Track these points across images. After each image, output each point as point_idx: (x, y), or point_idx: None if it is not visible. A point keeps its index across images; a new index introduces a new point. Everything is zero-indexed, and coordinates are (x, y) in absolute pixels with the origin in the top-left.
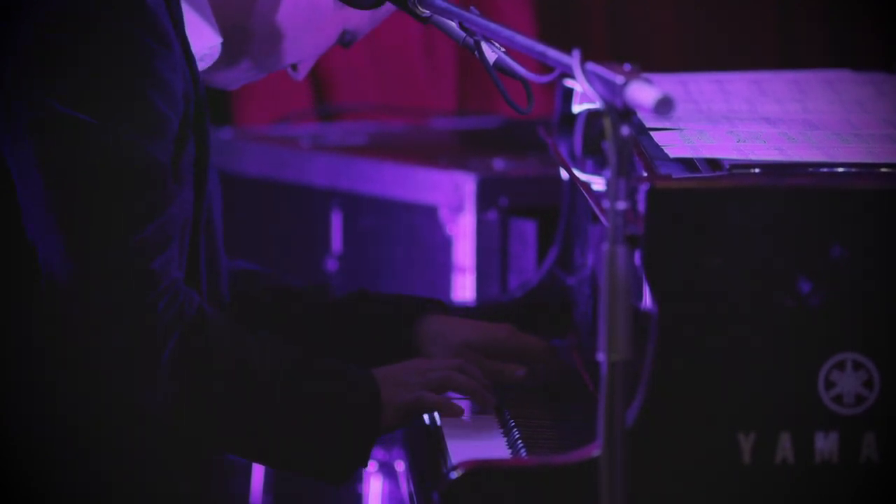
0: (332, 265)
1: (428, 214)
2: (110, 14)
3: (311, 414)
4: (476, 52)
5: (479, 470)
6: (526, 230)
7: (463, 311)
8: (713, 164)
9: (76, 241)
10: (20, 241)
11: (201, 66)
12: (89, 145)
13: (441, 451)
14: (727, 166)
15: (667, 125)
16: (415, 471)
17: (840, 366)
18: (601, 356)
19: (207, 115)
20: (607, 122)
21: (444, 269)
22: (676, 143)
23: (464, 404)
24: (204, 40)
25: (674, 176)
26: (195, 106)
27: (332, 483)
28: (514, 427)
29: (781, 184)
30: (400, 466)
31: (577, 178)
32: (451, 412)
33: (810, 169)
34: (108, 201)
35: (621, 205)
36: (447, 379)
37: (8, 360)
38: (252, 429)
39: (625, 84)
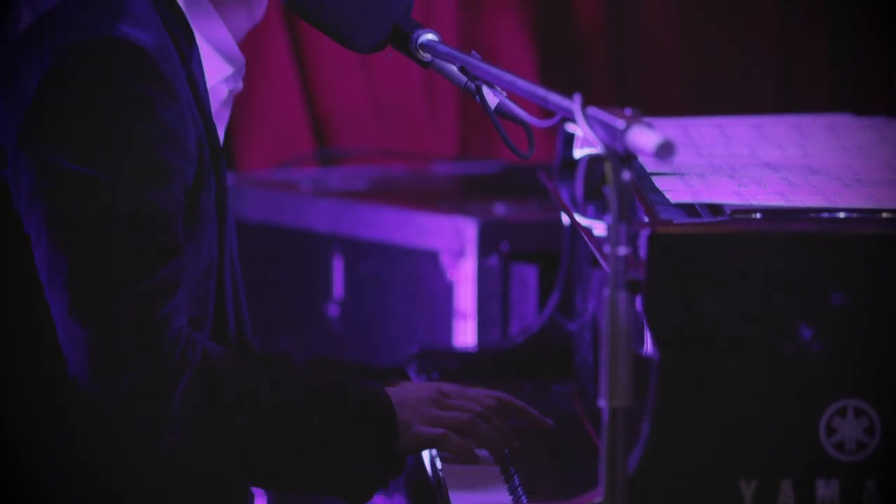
0: (333, 310)
1: (429, 259)
2: (110, 67)
3: (327, 440)
4: (477, 97)
5: None
6: (527, 275)
7: (464, 357)
8: (714, 209)
9: (82, 291)
10: (38, 300)
11: (215, 99)
12: (95, 198)
13: (444, 501)
14: (728, 211)
15: (668, 170)
16: None
17: (841, 412)
18: (602, 402)
19: (223, 158)
20: (608, 167)
21: (445, 314)
22: (677, 187)
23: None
24: (216, 72)
25: (675, 221)
26: (210, 150)
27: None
28: (514, 473)
29: (783, 229)
30: None
31: (579, 223)
32: (468, 459)
33: (812, 214)
34: (113, 251)
35: (622, 250)
36: (472, 426)
37: (22, 411)
38: (271, 459)
39: (626, 129)
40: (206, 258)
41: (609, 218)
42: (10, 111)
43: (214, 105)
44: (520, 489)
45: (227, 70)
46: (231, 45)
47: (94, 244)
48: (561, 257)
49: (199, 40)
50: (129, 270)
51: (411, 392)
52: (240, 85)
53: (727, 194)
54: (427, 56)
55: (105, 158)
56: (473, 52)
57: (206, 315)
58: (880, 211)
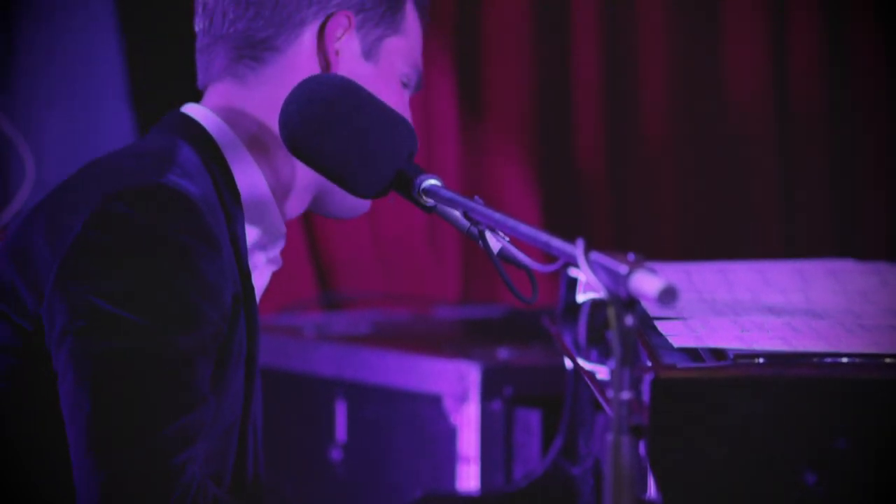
0: (336, 455)
1: (432, 404)
2: (155, 213)
3: None
4: (480, 242)
5: None
6: (530, 420)
7: (467, 502)
8: (717, 353)
9: (101, 431)
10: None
11: (252, 265)
12: (126, 341)
13: None
14: (731, 356)
15: (671, 314)
16: None
17: None
18: None
19: (257, 321)
20: (611, 312)
21: (448, 458)
22: (680, 332)
23: None
24: (269, 232)
25: (678, 365)
26: (245, 309)
27: None
28: None
29: (786, 374)
30: None
31: (582, 368)
32: None
33: (815, 359)
34: (137, 395)
35: (626, 394)
36: None
37: None
38: None
39: (629, 274)
40: (231, 414)
41: (612, 362)
42: (52, 251)
43: (252, 269)
44: None
45: (268, 238)
46: (276, 214)
47: (119, 386)
48: (564, 402)
49: (245, 203)
50: (151, 416)
51: None
52: (279, 259)
53: (730, 339)
54: (430, 201)
55: (141, 304)
56: (476, 196)
57: (226, 469)
58: (883, 356)
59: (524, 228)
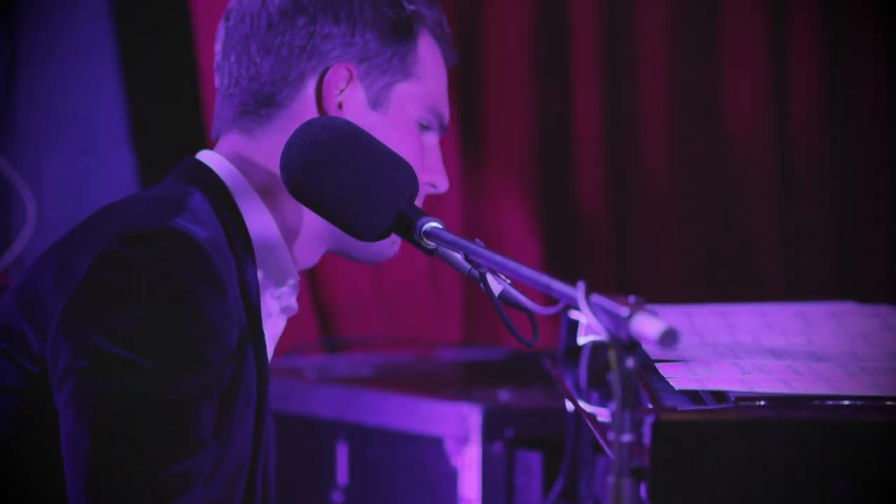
0: (337, 497)
1: (433, 446)
2: (162, 256)
3: None
4: (481, 284)
5: None
6: (531, 462)
7: None
8: (719, 396)
9: (100, 471)
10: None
11: (265, 313)
12: (129, 382)
13: None
14: (733, 398)
15: (672, 357)
16: None
17: None
18: None
19: (268, 370)
20: (612, 355)
21: (449, 500)
22: (682, 374)
23: None
24: (281, 279)
25: (679, 408)
26: (255, 351)
27: None
28: None
29: (787, 417)
30: None
31: (583, 410)
32: None
33: (816, 402)
34: (138, 437)
35: (627, 437)
36: None
37: None
38: None
39: (629, 316)
40: (240, 458)
41: (613, 405)
42: (60, 291)
43: (264, 318)
44: None
45: (280, 285)
46: (288, 262)
47: (119, 427)
48: (565, 444)
49: (257, 251)
50: (151, 458)
51: None
52: (294, 305)
53: (731, 381)
54: (431, 244)
55: (144, 345)
56: (477, 239)
57: None
58: (884, 399)
59: (525, 271)
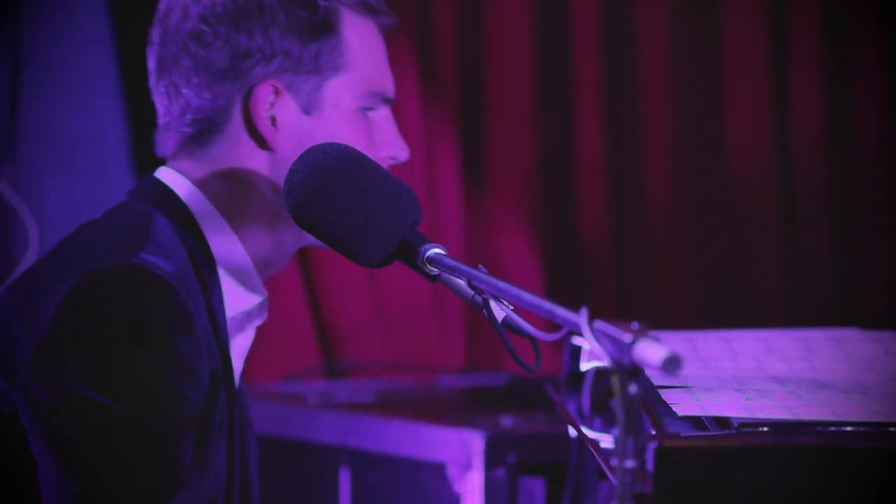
0: None
1: (436, 472)
2: (129, 295)
3: None
4: (484, 310)
5: None
6: (534, 488)
7: None
8: (722, 422)
9: None
10: None
11: (235, 330)
12: (104, 425)
13: None
14: (736, 425)
15: (675, 383)
16: None
17: None
18: None
19: (240, 394)
20: (615, 381)
21: None
22: (685, 400)
23: None
24: (236, 303)
25: (682, 434)
26: (225, 383)
27: None
28: None
29: (790, 442)
30: None
31: (586, 436)
32: None
33: (819, 428)
34: (121, 480)
35: (630, 463)
36: None
37: None
38: None
39: (632, 342)
40: (215, 487)
41: (616, 431)
42: (28, 334)
43: (233, 336)
44: None
45: (248, 303)
46: (255, 279)
47: (107, 471)
48: (568, 470)
49: (222, 272)
50: (142, 498)
51: None
52: (264, 316)
53: (734, 408)
54: (434, 270)
55: (116, 386)
56: (480, 266)
57: None
58: (887, 425)
59: (528, 297)
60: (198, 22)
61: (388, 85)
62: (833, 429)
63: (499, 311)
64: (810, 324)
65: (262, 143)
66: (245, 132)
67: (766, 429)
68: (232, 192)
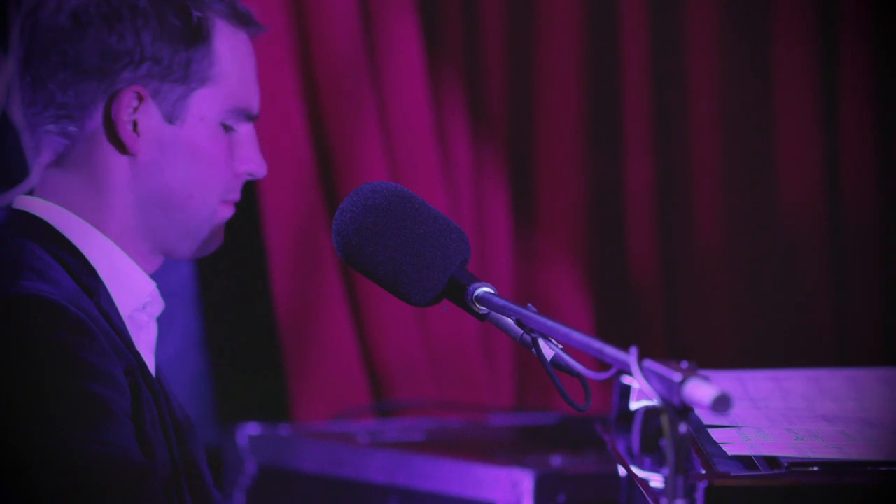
0: None
1: None
2: (21, 324)
3: None
4: (533, 349)
5: None
6: None
7: None
8: (771, 462)
9: None
10: None
11: (135, 327)
12: (42, 451)
13: None
14: (786, 464)
15: (725, 422)
16: None
17: None
18: None
19: (158, 383)
20: (665, 420)
21: None
22: (734, 440)
23: None
24: (128, 301)
25: (732, 474)
26: (141, 373)
27: None
28: None
29: (840, 483)
30: None
31: (636, 476)
32: None
33: (869, 468)
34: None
35: (680, 503)
36: None
37: None
38: None
39: (682, 382)
40: (163, 474)
41: (666, 470)
42: None
43: (134, 332)
44: None
45: (140, 298)
46: (137, 273)
47: (65, 493)
48: None
49: (104, 275)
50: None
51: None
52: (160, 303)
53: (784, 447)
54: (483, 309)
55: (39, 410)
56: (529, 304)
57: None
58: None
59: (577, 336)
60: (70, 18)
61: (253, 102)
62: (884, 468)
63: (548, 350)
64: (862, 361)
65: (121, 147)
66: (102, 137)
67: (816, 468)
68: (94, 196)
